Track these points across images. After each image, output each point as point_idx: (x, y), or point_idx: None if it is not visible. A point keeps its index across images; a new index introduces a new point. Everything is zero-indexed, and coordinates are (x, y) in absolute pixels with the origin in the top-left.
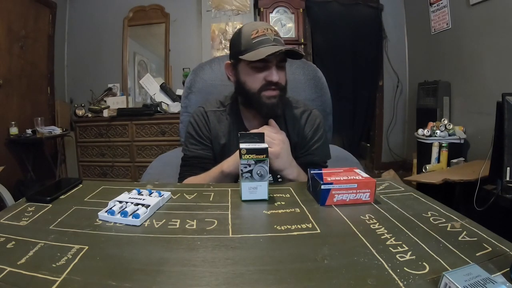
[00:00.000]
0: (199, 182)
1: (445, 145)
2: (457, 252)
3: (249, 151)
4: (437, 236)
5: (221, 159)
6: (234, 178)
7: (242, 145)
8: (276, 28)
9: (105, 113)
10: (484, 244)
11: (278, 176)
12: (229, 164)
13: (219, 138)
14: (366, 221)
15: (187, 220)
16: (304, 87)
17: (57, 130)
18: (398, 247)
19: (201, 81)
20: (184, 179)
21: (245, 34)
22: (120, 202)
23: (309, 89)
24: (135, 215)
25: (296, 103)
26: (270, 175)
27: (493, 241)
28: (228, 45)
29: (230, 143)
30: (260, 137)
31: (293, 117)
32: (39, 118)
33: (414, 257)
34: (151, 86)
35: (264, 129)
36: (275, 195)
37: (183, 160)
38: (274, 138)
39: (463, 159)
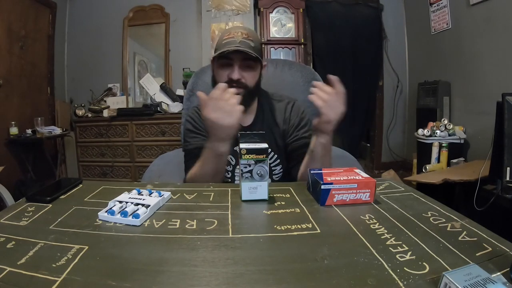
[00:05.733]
0: (198, 171)
1: (445, 145)
2: (457, 252)
3: (249, 151)
4: (437, 236)
5: None
6: (226, 158)
7: (242, 145)
8: (252, 33)
9: (105, 113)
10: (484, 244)
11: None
12: (219, 144)
13: None
14: (366, 221)
15: (187, 220)
16: (303, 90)
17: (57, 130)
18: (398, 247)
19: (203, 83)
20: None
21: (221, 36)
22: (120, 202)
23: (307, 91)
24: (135, 215)
25: (280, 97)
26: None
27: (493, 241)
28: None
29: None
30: (260, 137)
31: (279, 109)
32: (39, 118)
33: (414, 257)
34: (151, 86)
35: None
36: (275, 195)
37: (186, 155)
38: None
39: (463, 159)
